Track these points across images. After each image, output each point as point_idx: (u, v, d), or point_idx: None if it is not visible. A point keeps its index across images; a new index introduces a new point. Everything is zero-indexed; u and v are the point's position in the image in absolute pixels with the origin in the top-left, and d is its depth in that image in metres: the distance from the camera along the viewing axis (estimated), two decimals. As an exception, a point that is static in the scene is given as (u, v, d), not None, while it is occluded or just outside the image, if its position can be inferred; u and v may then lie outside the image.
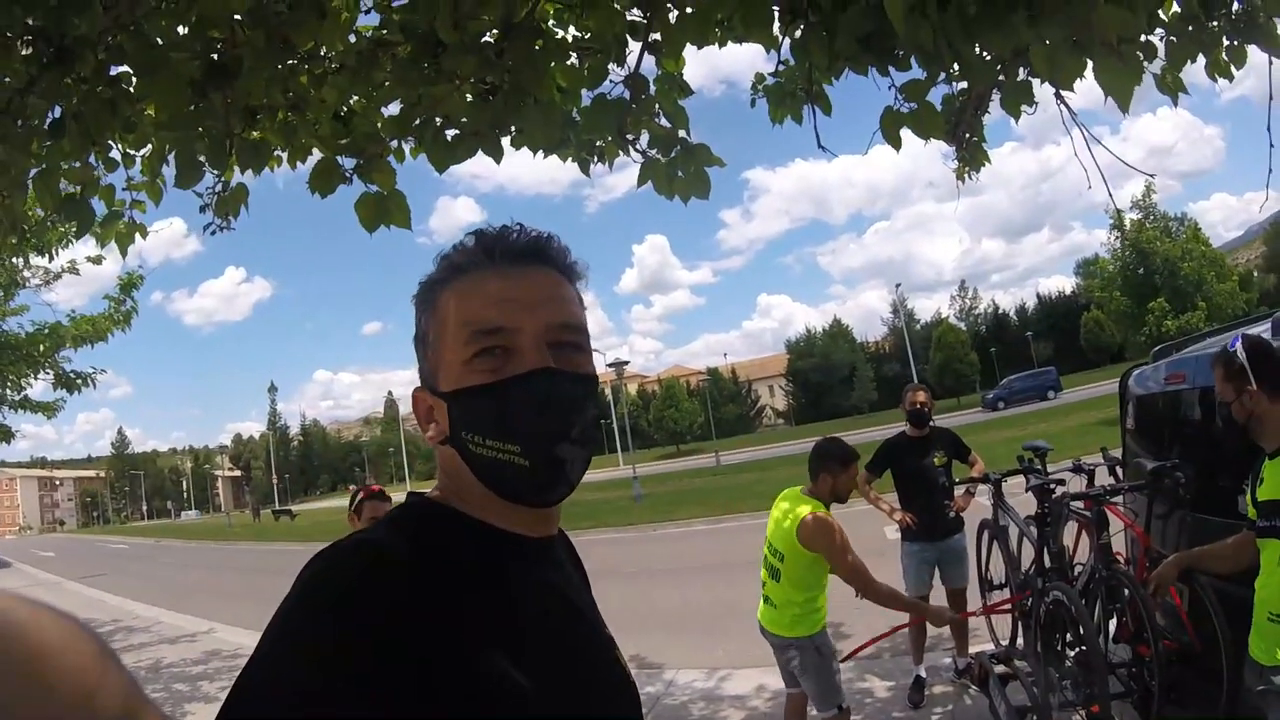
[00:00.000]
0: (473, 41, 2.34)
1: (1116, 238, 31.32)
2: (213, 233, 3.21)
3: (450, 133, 2.66)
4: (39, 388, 9.59)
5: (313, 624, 0.71)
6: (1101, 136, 2.80)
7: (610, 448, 70.74)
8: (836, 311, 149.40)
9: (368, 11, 2.80)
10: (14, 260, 8.53)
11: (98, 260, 8.39)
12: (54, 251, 7.92)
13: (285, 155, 2.90)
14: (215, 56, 2.13)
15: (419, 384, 0.95)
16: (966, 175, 4.02)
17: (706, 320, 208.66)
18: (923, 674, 5.12)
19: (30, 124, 2.35)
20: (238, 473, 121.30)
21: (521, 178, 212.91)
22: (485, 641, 0.76)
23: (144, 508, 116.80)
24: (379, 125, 2.65)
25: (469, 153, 2.65)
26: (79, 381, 9.39)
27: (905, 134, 2.78)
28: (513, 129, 2.96)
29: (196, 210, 3.00)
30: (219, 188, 2.84)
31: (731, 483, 28.43)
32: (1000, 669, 4.02)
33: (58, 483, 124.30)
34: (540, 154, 3.41)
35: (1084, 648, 3.49)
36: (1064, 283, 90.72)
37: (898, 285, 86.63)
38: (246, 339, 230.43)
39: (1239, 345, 2.61)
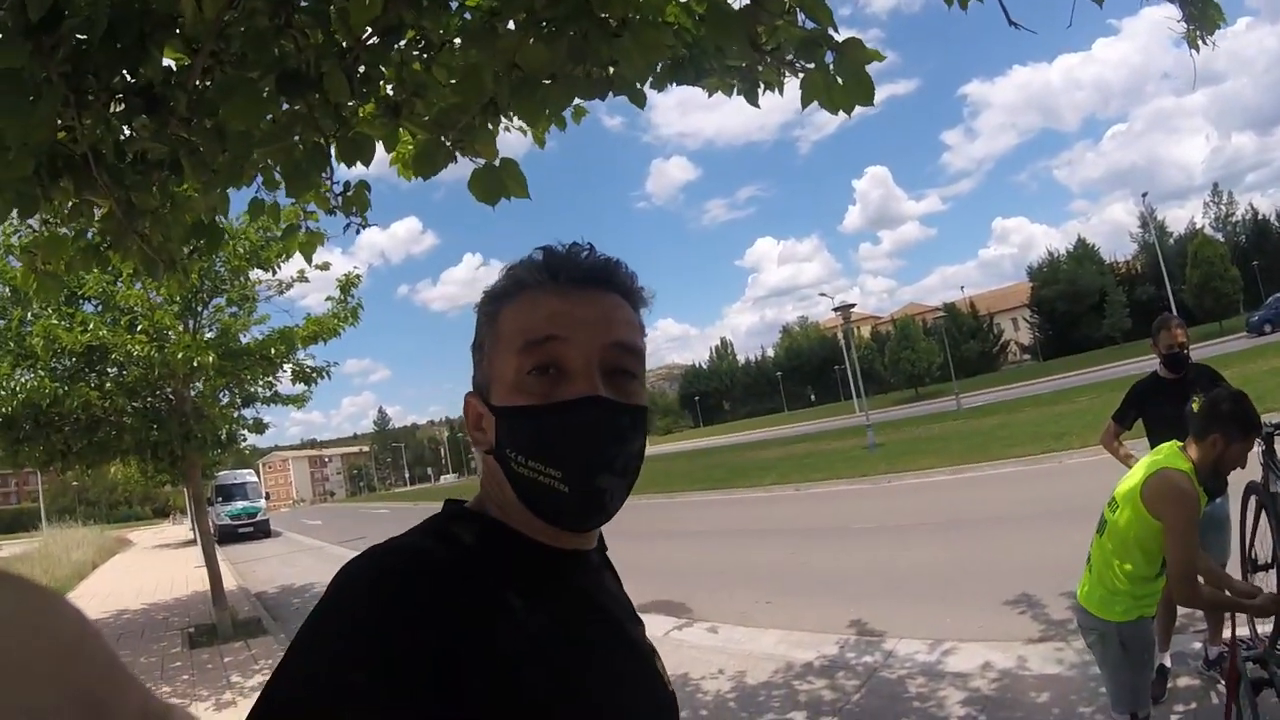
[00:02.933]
0: None
1: None
2: (357, 231, 3.37)
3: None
4: (285, 383, 10.91)
5: (346, 626, 0.75)
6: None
7: (846, 394, 69.48)
8: (1080, 230, 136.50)
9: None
10: (240, 280, 9.71)
11: (325, 267, 9.27)
12: (275, 266, 8.93)
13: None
14: (285, 66, 2.14)
15: (471, 390, 0.99)
16: (1201, 41, 3.28)
17: (940, 252, 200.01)
18: (1167, 663, 4.46)
19: (158, 170, 2.52)
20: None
21: (729, 128, 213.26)
22: (516, 648, 0.79)
23: (406, 475, 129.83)
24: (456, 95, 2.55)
25: (560, 103, 2.53)
26: (315, 375, 10.64)
27: (1134, 14, 2.33)
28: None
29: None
30: (340, 189, 2.92)
31: (972, 428, 26.94)
32: (1254, 670, 3.29)
33: (326, 459, 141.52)
34: (712, 94, 3.23)
35: None
36: None
37: (1144, 195, 77.31)
38: None
39: None
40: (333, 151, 2.54)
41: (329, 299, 10.43)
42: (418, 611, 0.75)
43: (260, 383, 10.56)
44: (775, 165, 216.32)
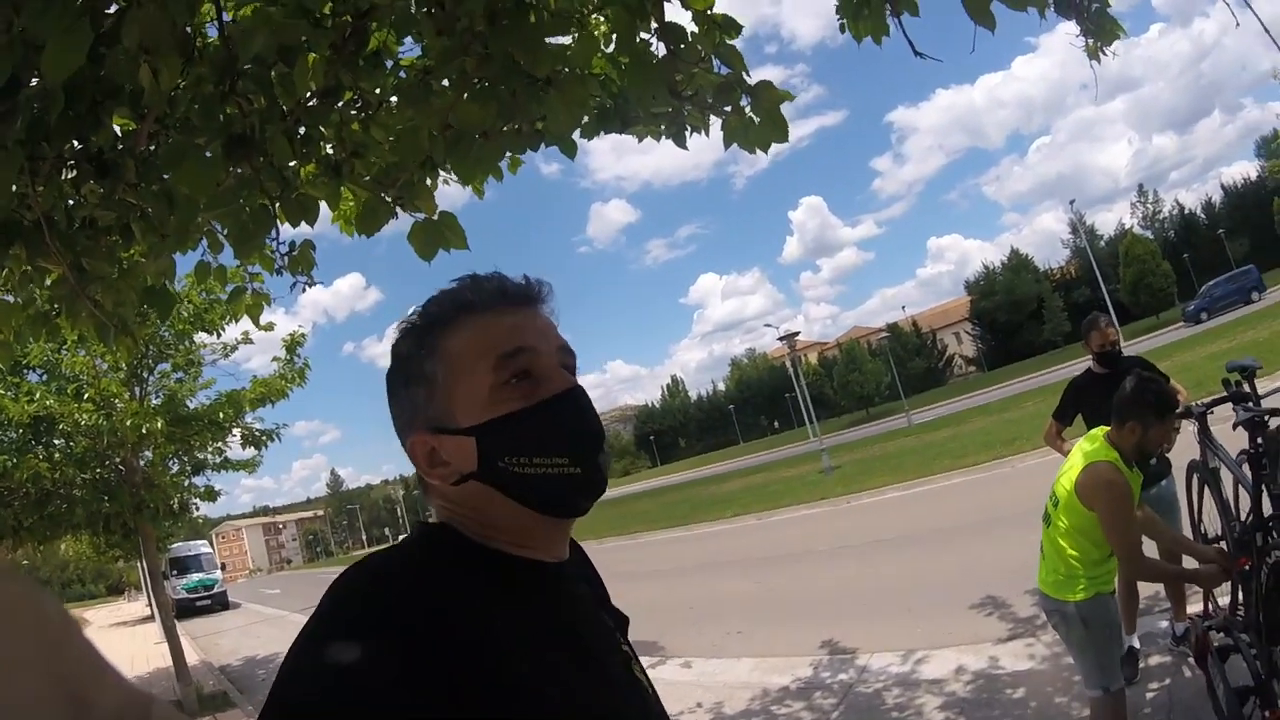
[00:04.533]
0: (460, 41, 2.27)
1: None
2: (303, 290, 3.38)
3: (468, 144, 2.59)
4: (235, 448, 10.63)
5: (333, 642, 0.76)
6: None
7: (798, 421, 69.79)
8: (1013, 241, 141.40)
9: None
10: (184, 344, 9.54)
11: (269, 328, 9.15)
12: (220, 328, 8.80)
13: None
14: (231, 130, 2.17)
15: (410, 433, 0.99)
16: (1101, 52, 3.47)
17: (879, 275, 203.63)
18: (1136, 644, 4.60)
19: (108, 235, 2.52)
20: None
21: (665, 169, 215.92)
22: (506, 656, 0.80)
23: (363, 537, 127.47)
24: (394, 154, 2.61)
25: (493, 159, 2.61)
26: (264, 438, 10.40)
27: (1048, 32, 2.48)
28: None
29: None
30: (285, 249, 2.93)
31: (924, 443, 27.37)
32: (1219, 639, 3.47)
33: (280, 526, 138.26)
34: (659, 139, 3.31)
35: None
36: (1248, 168, 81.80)
37: (1072, 202, 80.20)
38: None
39: None
40: (277, 212, 2.57)
41: (275, 360, 10.33)
42: (404, 628, 0.76)
43: (210, 449, 10.29)
44: (712, 202, 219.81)
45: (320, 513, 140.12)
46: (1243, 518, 3.68)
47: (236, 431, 10.16)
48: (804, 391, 39.01)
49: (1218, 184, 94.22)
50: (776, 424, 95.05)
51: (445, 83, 2.60)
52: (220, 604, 29.60)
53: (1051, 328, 78.96)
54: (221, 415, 9.53)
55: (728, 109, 2.84)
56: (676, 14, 2.69)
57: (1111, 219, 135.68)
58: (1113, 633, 3.33)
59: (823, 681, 6.12)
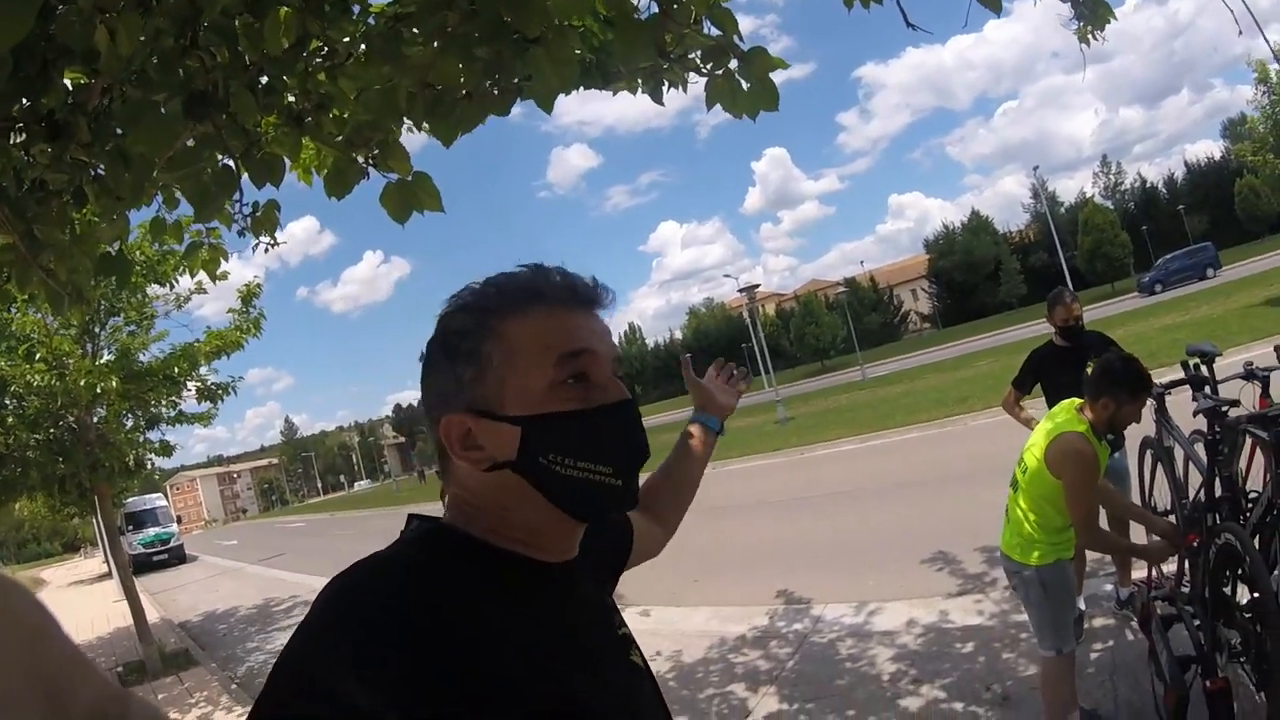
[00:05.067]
0: None
1: (1263, 93, 27.62)
2: (265, 250, 3.29)
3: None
4: (189, 401, 10.42)
5: (330, 641, 0.76)
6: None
7: (754, 372, 70.37)
8: (974, 203, 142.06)
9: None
10: (136, 296, 9.26)
11: (223, 276, 8.93)
12: (173, 280, 8.57)
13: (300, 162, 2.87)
14: (192, 87, 2.09)
15: (447, 410, 0.95)
16: (1091, 36, 3.48)
17: (839, 229, 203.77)
18: (1082, 606, 4.77)
19: (59, 198, 2.42)
20: (402, 439, 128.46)
21: (629, 116, 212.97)
22: (499, 662, 0.80)
23: (318, 485, 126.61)
24: (370, 112, 2.53)
25: (472, 118, 2.53)
26: (220, 391, 10.20)
27: (1019, 4, 2.48)
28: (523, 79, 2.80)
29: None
30: (248, 210, 2.84)
31: (878, 397, 27.85)
32: (1164, 608, 3.62)
33: (235, 476, 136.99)
34: (617, 94, 3.26)
35: (1254, 598, 3.05)
36: (1212, 148, 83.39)
37: (1035, 168, 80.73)
38: (393, 316, 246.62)
39: None
40: (240, 171, 2.49)
41: (230, 310, 10.00)
42: (403, 626, 0.76)
43: (164, 403, 10.01)
44: (676, 150, 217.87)
45: (275, 461, 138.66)
46: (1193, 496, 3.80)
47: (192, 385, 9.87)
48: (761, 343, 39.27)
49: (1181, 160, 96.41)
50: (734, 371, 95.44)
51: (416, 31, 2.54)
52: (177, 558, 29.24)
53: (1007, 289, 79.70)
54: (176, 369, 9.26)
55: (717, 72, 2.79)
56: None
57: (1073, 187, 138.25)
58: (1069, 597, 3.44)
59: (778, 630, 6.28)
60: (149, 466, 10.94)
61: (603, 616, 1.07)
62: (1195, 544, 3.50)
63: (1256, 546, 2.99)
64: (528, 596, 0.91)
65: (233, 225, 3.23)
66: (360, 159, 2.63)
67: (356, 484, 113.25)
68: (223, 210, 2.72)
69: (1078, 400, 3.40)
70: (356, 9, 2.78)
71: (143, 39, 1.95)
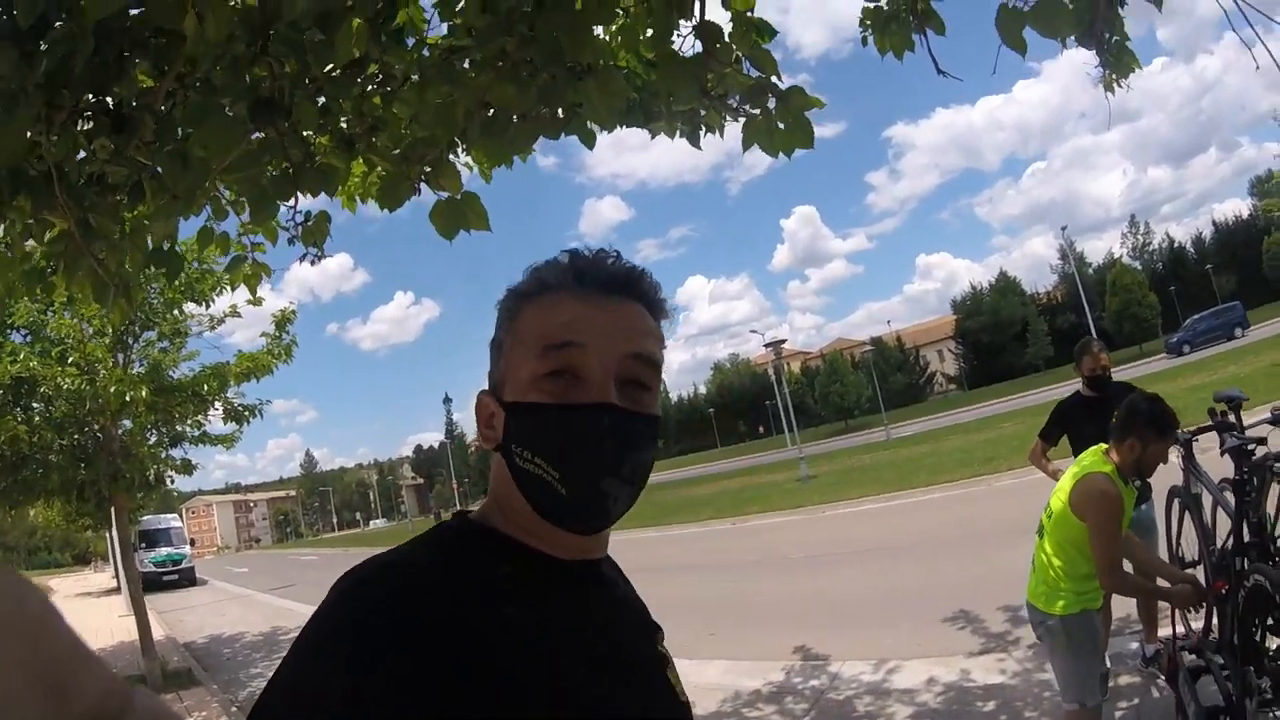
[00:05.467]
0: (505, 20, 2.27)
1: None
2: (312, 263, 3.36)
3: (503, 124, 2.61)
4: (216, 422, 10.55)
5: (335, 640, 0.76)
6: (1261, 34, 2.44)
7: (777, 429, 70.01)
8: (1001, 264, 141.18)
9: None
10: (173, 313, 9.41)
11: (258, 302, 9.04)
12: (210, 299, 8.70)
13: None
14: (259, 92, 2.16)
15: (485, 388, 0.98)
16: (1116, 84, 3.56)
17: (866, 288, 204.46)
18: (1108, 664, 4.69)
19: (116, 192, 2.49)
20: (420, 481, 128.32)
21: (661, 169, 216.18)
22: (517, 661, 0.79)
23: (334, 520, 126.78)
24: (427, 130, 2.61)
25: (524, 141, 2.60)
26: (247, 414, 10.30)
27: (1051, 59, 2.55)
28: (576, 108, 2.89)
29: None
30: (300, 219, 2.92)
31: (902, 457, 27.57)
32: (1191, 660, 3.54)
33: (252, 504, 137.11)
34: (662, 136, 3.36)
35: None
36: (1240, 206, 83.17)
37: (1063, 228, 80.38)
38: (419, 357, 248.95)
39: None
40: (297, 180, 2.56)
41: (263, 335, 10.14)
42: (409, 626, 0.75)
43: (190, 421, 10.11)
44: (706, 206, 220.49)
45: (292, 493, 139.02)
46: (1221, 543, 3.76)
47: (219, 405, 10.00)
48: (786, 398, 39.17)
49: (1209, 220, 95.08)
50: (762, 429, 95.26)
51: (468, 63, 2.63)
52: (188, 580, 29.28)
53: (1035, 351, 79.03)
54: (205, 387, 9.36)
55: (755, 111, 2.87)
56: (714, 13, 2.72)
57: (1101, 247, 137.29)
58: (1094, 649, 3.36)
59: (794, 686, 6.15)
60: (169, 483, 11.01)
61: (637, 623, 1.03)
62: (1224, 591, 3.42)
63: None
64: (542, 592, 0.89)
65: (278, 236, 3.35)
66: (411, 175, 2.70)
67: (372, 522, 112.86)
68: (274, 219, 2.80)
69: (1104, 445, 3.36)
70: (411, 40, 2.89)
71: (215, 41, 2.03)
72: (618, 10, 2.69)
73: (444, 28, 2.91)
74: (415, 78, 2.83)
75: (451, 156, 2.97)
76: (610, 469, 0.88)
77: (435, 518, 70.87)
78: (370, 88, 2.83)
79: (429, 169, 2.70)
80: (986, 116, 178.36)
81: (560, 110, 2.72)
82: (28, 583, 0.53)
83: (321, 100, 2.59)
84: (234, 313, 10.12)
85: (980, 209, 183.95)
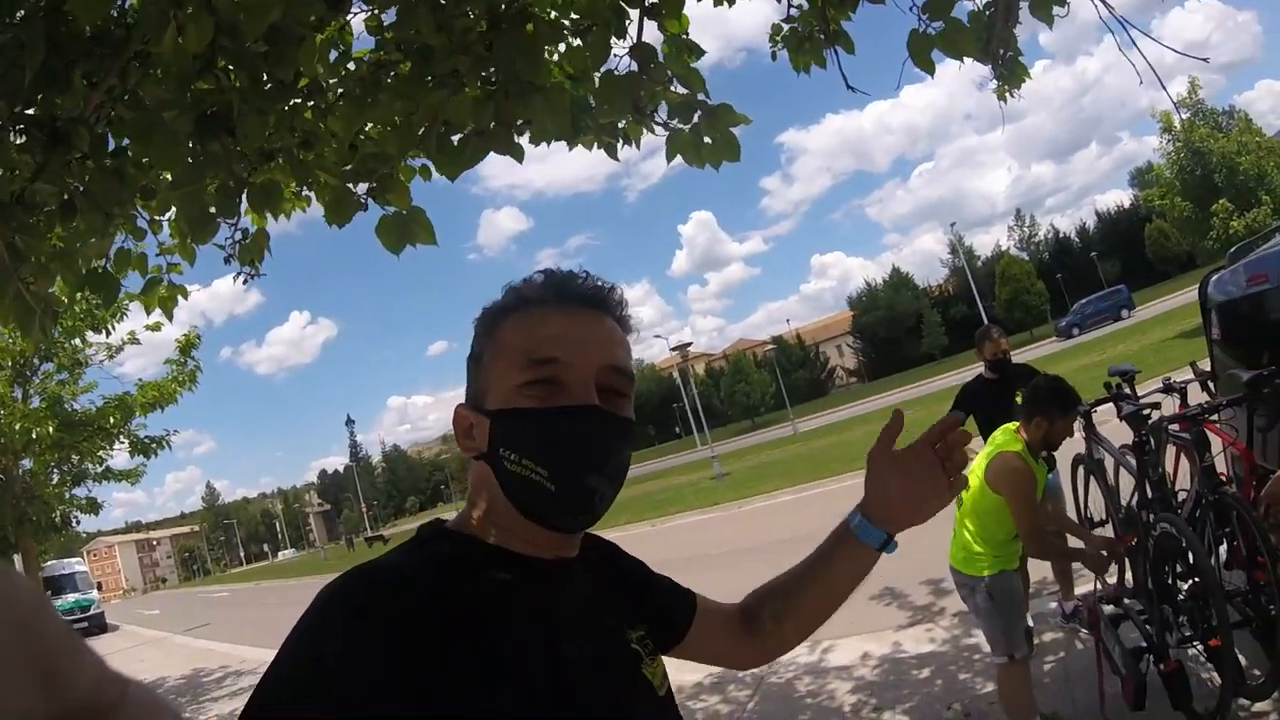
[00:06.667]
0: (460, 40, 2.30)
1: (1168, 141, 29.72)
2: (245, 282, 3.27)
3: (456, 138, 2.63)
4: (120, 457, 9.98)
5: (322, 640, 0.78)
6: (1136, 39, 2.64)
7: (685, 430, 70.45)
8: (894, 261, 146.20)
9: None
10: (73, 342, 8.93)
11: (156, 328, 8.66)
12: (110, 326, 8.27)
13: (298, 193, 2.90)
14: (205, 107, 2.12)
15: (463, 401, 1.02)
16: (1008, 94, 3.84)
17: (764, 289, 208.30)
18: (1030, 623, 4.96)
19: (44, 209, 2.39)
20: (327, 507, 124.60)
21: (559, 179, 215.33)
22: (493, 659, 0.82)
23: (240, 554, 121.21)
24: (383, 145, 2.61)
25: (478, 155, 2.61)
26: (154, 446, 9.81)
27: (939, 64, 2.72)
28: (520, 123, 2.95)
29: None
30: (238, 236, 2.86)
31: (811, 449, 28.28)
32: (1110, 610, 3.85)
33: (155, 543, 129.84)
34: (564, 146, 3.40)
35: (1197, 578, 3.30)
36: (1121, 196, 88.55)
37: (952, 224, 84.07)
38: (319, 378, 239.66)
39: None
40: (241, 197, 2.50)
41: (168, 361, 9.65)
42: (392, 627, 0.78)
43: (92, 458, 9.55)
44: (604, 214, 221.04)
45: (196, 528, 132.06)
46: (1126, 501, 4.04)
47: (124, 438, 9.51)
48: (695, 400, 39.55)
49: (1092, 210, 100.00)
50: (678, 430, 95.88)
51: (392, 80, 2.64)
52: (98, 626, 27.39)
53: (929, 341, 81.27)
54: (111, 420, 8.82)
55: (684, 126, 2.99)
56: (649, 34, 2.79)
57: (989, 241, 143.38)
58: (1017, 605, 3.61)
59: (735, 675, 6.21)
60: (75, 524, 10.46)
61: (603, 620, 1.04)
62: (1134, 543, 3.77)
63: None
64: (519, 590, 0.92)
65: (196, 256, 3.26)
66: (359, 191, 2.68)
67: (281, 553, 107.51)
68: (213, 236, 2.72)
69: (1014, 425, 3.61)
70: (335, 54, 2.88)
71: (153, 52, 1.97)
72: (564, 32, 2.75)
73: (372, 42, 2.92)
74: (342, 92, 2.82)
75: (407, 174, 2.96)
76: (596, 467, 0.93)
77: (347, 544, 68.98)
78: (297, 101, 2.80)
79: (375, 184, 2.69)
80: (876, 121, 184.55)
81: (510, 126, 2.76)
82: (20, 576, 0.54)
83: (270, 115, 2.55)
84: (133, 339, 9.56)
85: (871, 209, 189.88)
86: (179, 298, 3.74)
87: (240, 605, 29.65)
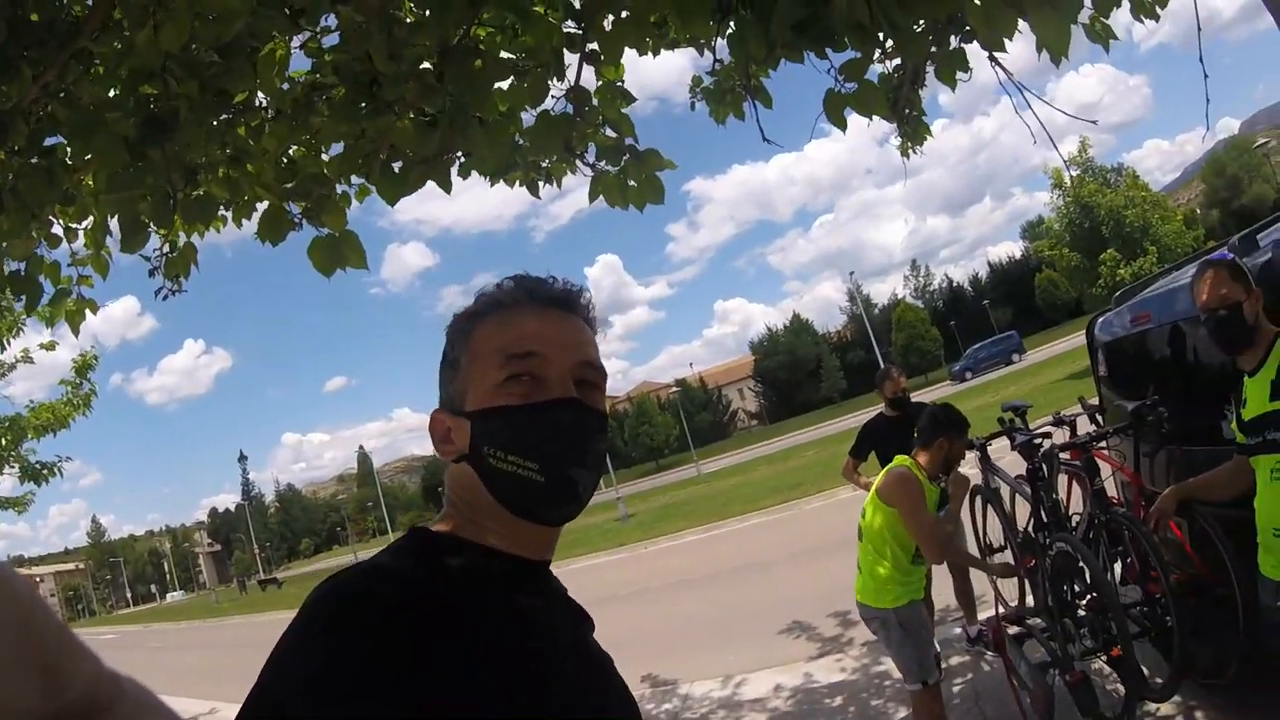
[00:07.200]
0: (410, 69, 2.31)
1: (1058, 196, 31.64)
2: (164, 297, 3.14)
3: (398, 164, 2.62)
4: (7, 483, 9.34)
5: (313, 641, 0.78)
6: (1031, 101, 2.84)
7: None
8: (794, 307, 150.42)
9: (302, 47, 2.76)
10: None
11: (51, 346, 8.16)
12: (4, 341, 7.75)
13: (231, 211, 2.83)
14: (151, 112, 2.05)
15: (438, 407, 1.03)
16: (910, 151, 4.09)
17: (668, 333, 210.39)
18: (936, 648, 5.10)
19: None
20: (218, 547, 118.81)
21: (466, 217, 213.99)
22: (476, 655, 0.81)
23: (128, 594, 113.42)
24: (324, 167, 2.58)
25: (419, 182, 2.62)
26: (45, 472, 9.12)
27: (849, 119, 2.84)
28: (460, 156, 2.97)
29: (147, 288, 2.97)
30: (165, 249, 2.76)
31: (715, 490, 28.50)
32: (1014, 630, 4.02)
33: (38, 579, 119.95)
34: (488, 183, 3.42)
35: (1096, 593, 3.49)
36: (1013, 248, 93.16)
37: (851, 273, 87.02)
38: (211, 411, 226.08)
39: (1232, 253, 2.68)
40: (175, 208, 2.41)
41: (63, 382, 8.96)
42: (382, 627, 0.77)
43: (-24, 483, 9.01)
44: (511, 253, 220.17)
45: (80, 565, 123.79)
46: (1023, 527, 4.24)
47: (14, 463, 8.90)
48: (600, 442, 39.37)
49: (984, 261, 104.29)
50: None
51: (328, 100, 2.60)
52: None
53: (829, 385, 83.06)
54: (3, 442, 8.18)
55: (612, 169, 3.08)
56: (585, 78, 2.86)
57: (886, 289, 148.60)
58: (926, 633, 3.73)
59: (648, 713, 6.10)
60: (-46, 557, 9.68)
61: (581, 625, 1.06)
62: (1033, 565, 3.95)
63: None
64: (503, 593, 0.91)
65: (109, 269, 3.13)
66: (293, 209, 2.63)
67: (170, 595, 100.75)
68: (144, 246, 2.62)
69: (905, 458, 3.75)
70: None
71: (97, 51, 1.91)
72: (508, 72, 2.78)
73: (307, 63, 2.89)
74: (275, 111, 2.78)
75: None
76: (577, 458, 0.94)
77: (240, 586, 65.78)
78: (228, 116, 2.74)
79: (310, 205, 2.65)
80: (780, 173, 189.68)
81: (451, 157, 2.77)
82: (16, 573, 0.53)
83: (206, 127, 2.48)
84: (26, 358, 8.84)
85: (773, 257, 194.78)
86: (87, 312, 3.55)
87: (129, 648, 27.52)
